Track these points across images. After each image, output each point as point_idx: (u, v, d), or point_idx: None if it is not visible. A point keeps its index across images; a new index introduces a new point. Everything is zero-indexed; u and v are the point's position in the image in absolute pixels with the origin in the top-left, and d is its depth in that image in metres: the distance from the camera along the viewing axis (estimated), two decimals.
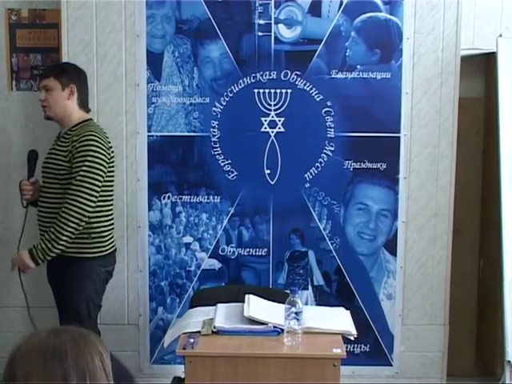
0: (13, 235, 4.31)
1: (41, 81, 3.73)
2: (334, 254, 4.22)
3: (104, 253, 3.66)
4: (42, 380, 1.46)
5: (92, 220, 3.58)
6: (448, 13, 4.09)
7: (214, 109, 4.15)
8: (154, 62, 4.13)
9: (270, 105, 4.13)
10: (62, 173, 3.56)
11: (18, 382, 1.46)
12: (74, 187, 3.48)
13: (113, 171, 3.69)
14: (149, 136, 4.16)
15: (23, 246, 3.62)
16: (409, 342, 4.30)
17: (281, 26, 4.10)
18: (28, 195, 3.72)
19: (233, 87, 4.13)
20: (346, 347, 3.09)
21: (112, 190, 3.72)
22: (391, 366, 4.30)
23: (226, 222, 4.19)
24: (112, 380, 1.55)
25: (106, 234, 3.67)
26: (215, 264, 4.24)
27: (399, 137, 4.16)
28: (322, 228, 4.20)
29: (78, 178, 3.48)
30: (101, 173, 3.53)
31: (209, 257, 4.25)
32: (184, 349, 2.95)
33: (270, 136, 4.13)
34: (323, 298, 4.22)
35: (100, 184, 3.53)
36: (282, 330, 3.03)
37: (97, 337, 1.58)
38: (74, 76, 3.69)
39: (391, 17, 4.09)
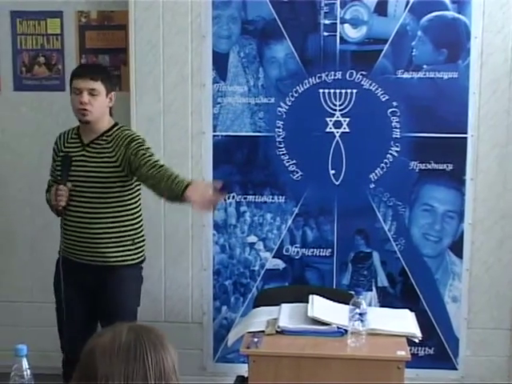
0: None
1: (82, 81, 3.42)
2: (399, 256, 4.18)
3: (142, 258, 3.60)
4: (124, 380, 1.45)
5: (137, 226, 3.55)
6: None
7: (279, 109, 4.15)
8: (220, 62, 4.15)
9: (335, 105, 4.11)
10: (109, 176, 3.43)
11: (99, 382, 1.45)
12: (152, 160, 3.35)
13: None
14: (214, 136, 4.19)
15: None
16: (475, 345, 4.23)
17: (346, 25, 4.08)
18: (63, 201, 3.44)
19: (298, 87, 4.13)
20: (410, 350, 3.06)
21: None
22: (456, 369, 4.23)
23: (290, 222, 4.19)
24: (180, 379, 1.56)
25: (144, 237, 3.62)
26: (279, 264, 4.25)
27: (466, 137, 4.10)
28: (386, 229, 4.17)
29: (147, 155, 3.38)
30: None
31: (273, 257, 4.25)
32: (248, 348, 2.96)
33: (335, 136, 4.11)
34: (387, 300, 4.19)
35: None
36: (346, 330, 3.02)
37: (166, 336, 1.59)
38: (115, 82, 3.61)
39: (459, 15, 4.03)
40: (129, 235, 3.51)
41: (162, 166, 3.31)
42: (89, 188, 3.45)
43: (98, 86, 3.44)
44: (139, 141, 3.45)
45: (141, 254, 3.58)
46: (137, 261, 3.56)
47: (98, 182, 3.45)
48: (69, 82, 3.53)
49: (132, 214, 3.53)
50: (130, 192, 3.51)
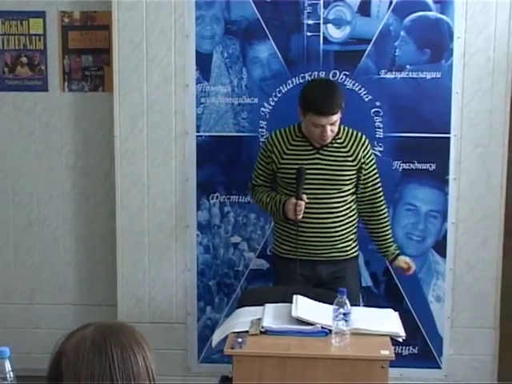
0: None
1: (325, 119, 3.49)
2: None
3: None
4: (90, 380, 1.46)
5: (356, 217, 3.85)
6: (500, 11, 4.02)
7: (262, 109, 4.15)
8: (203, 62, 4.15)
9: None
10: (347, 179, 3.67)
11: (66, 382, 1.46)
12: (379, 189, 3.81)
13: None
14: (197, 136, 4.19)
15: None
16: (458, 344, 4.24)
17: (330, 25, 4.08)
18: (301, 214, 3.60)
19: (281, 87, 4.13)
20: (394, 349, 3.06)
21: None
22: (440, 368, 4.25)
23: (273, 222, 4.18)
24: (155, 379, 1.54)
25: None
26: (263, 264, 4.25)
27: (449, 137, 4.11)
28: None
29: (377, 180, 3.79)
30: None
31: (257, 257, 4.25)
32: (232, 348, 2.96)
33: None
34: (371, 300, 4.19)
35: None
36: (330, 330, 3.02)
37: (141, 334, 1.58)
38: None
39: (442, 16, 4.04)
40: (355, 227, 3.82)
41: (380, 207, 3.81)
42: (323, 190, 3.66)
43: (338, 115, 3.55)
44: (373, 158, 3.78)
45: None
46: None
47: (334, 183, 3.67)
48: (301, 108, 3.58)
49: (355, 207, 3.80)
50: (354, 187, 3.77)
